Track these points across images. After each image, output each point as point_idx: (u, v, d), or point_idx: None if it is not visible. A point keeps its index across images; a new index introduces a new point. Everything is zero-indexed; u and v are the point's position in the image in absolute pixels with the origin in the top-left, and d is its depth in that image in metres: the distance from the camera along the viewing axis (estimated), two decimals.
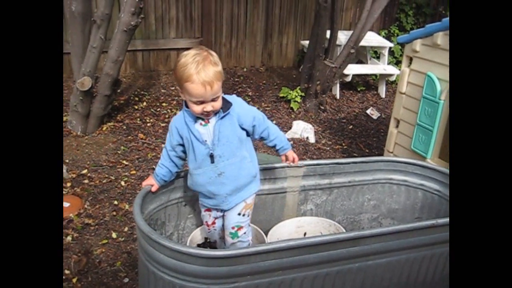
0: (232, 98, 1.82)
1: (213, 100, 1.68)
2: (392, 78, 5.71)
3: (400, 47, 6.49)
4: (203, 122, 1.76)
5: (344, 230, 2.21)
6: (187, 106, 1.73)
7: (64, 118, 4.06)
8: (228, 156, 1.77)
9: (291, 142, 4.26)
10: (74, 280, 2.38)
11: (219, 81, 1.65)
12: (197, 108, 1.68)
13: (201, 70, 1.60)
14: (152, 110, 4.67)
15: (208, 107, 1.68)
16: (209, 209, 1.92)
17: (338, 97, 5.51)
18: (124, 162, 3.62)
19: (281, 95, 5.12)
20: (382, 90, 5.80)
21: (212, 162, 1.78)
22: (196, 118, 1.76)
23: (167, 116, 4.56)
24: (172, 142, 1.83)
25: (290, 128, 4.48)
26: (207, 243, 2.06)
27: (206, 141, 1.76)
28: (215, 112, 1.73)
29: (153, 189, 1.84)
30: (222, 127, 1.75)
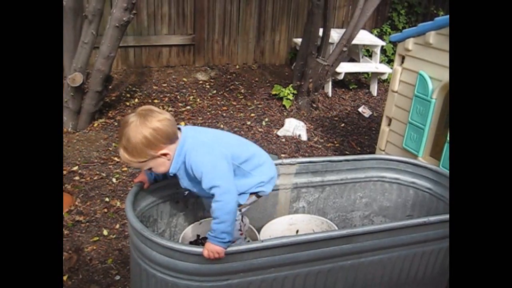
0: (194, 154, 1.64)
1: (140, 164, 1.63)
2: (384, 77, 5.74)
3: (392, 45, 6.52)
4: None
5: (336, 228, 2.21)
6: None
7: None
8: (204, 195, 1.76)
9: (283, 140, 4.26)
10: (65, 277, 2.37)
11: (128, 154, 1.58)
12: None
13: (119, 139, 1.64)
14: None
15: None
16: None
17: (330, 95, 5.52)
18: (116, 159, 3.59)
19: (274, 92, 5.12)
20: (374, 89, 5.83)
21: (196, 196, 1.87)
22: None
23: None
24: None
25: (282, 125, 4.48)
26: (199, 240, 2.06)
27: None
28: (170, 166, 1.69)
29: (145, 186, 1.83)
30: (184, 180, 1.73)
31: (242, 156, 1.74)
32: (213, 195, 1.58)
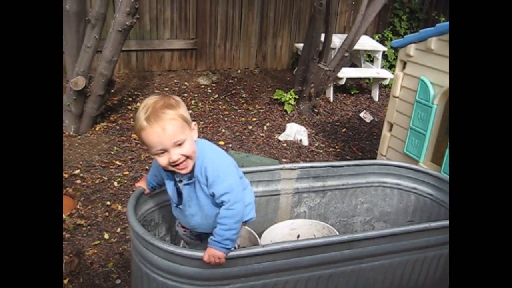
0: (210, 158, 1.58)
1: (178, 145, 1.49)
2: (386, 82, 5.75)
3: (393, 51, 6.54)
4: (176, 184, 1.66)
5: (337, 233, 2.21)
6: None
7: None
8: (201, 216, 1.67)
9: (285, 144, 4.27)
10: (66, 281, 2.37)
11: (175, 122, 1.46)
12: (163, 161, 1.51)
13: (151, 114, 1.45)
14: None
15: (174, 155, 1.48)
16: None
17: (331, 100, 5.53)
18: (117, 162, 3.60)
19: (275, 97, 5.14)
20: (376, 94, 5.83)
21: (185, 218, 1.73)
22: (171, 176, 1.65)
23: None
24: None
25: (284, 130, 4.49)
26: None
27: (178, 202, 1.69)
28: (189, 160, 1.54)
29: (146, 192, 1.82)
30: (190, 192, 1.62)
31: (239, 172, 1.72)
32: (221, 203, 1.55)
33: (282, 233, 2.23)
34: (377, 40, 6.51)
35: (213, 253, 1.48)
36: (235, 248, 1.79)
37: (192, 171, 1.58)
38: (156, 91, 5.18)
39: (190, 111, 4.75)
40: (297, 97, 5.02)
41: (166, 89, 5.28)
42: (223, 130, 4.43)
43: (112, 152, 3.76)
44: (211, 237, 1.52)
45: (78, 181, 3.28)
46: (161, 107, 1.46)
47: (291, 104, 4.98)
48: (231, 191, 1.54)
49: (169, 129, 1.45)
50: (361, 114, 5.25)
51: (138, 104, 4.76)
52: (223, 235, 1.50)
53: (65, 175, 3.32)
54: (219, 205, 1.57)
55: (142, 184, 1.82)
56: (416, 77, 2.84)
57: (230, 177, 1.57)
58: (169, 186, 1.68)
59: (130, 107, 4.67)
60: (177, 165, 1.52)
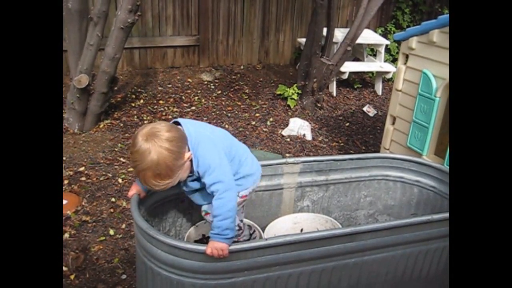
0: (202, 150, 1.63)
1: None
2: (389, 76, 5.73)
3: (396, 44, 6.51)
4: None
5: (341, 226, 2.22)
6: None
7: None
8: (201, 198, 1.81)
9: (288, 139, 4.27)
10: (72, 276, 2.39)
11: (163, 178, 1.54)
12: None
13: (133, 168, 1.58)
14: (149, 107, 4.67)
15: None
16: None
17: (334, 94, 5.53)
18: (121, 159, 3.62)
19: (278, 92, 5.13)
20: (379, 88, 5.82)
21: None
22: None
23: (164, 113, 4.56)
24: None
25: (287, 125, 4.49)
26: (204, 240, 2.07)
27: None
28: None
29: (142, 196, 1.79)
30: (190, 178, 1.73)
31: (232, 145, 1.77)
32: (212, 193, 1.61)
33: (285, 227, 2.24)
34: (379, 34, 6.48)
35: (215, 245, 1.50)
36: (238, 237, 1.83)
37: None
38: (160, 88, 5.19)
39: (193, 108, 4.76)
40: (300, 92, 5.01)
41: (169, 85, 5.29)
42: (227, 126, 4.44)
43: (116, 149, 3.77)
44: (211, 231, 1.55)
45: (83, 178, 3.30)
46: (146, 175, 1.52)
47: (294, 99, 4.98)
48: (220, 181, 1.60)
49: (152, 182, 1.56)
50: (365, 108, 5.25)
51: (142, 101, 4.77)
52: (221, 226, 1.54)
53: (70, 173, 3.34)
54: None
55: (135, 191, 1.78)
56: (418, 70, 2.83)
57: (220, 166, 1.62)
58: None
59: (133, 104, 4.69)
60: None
